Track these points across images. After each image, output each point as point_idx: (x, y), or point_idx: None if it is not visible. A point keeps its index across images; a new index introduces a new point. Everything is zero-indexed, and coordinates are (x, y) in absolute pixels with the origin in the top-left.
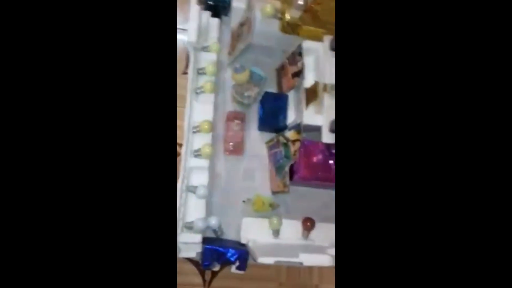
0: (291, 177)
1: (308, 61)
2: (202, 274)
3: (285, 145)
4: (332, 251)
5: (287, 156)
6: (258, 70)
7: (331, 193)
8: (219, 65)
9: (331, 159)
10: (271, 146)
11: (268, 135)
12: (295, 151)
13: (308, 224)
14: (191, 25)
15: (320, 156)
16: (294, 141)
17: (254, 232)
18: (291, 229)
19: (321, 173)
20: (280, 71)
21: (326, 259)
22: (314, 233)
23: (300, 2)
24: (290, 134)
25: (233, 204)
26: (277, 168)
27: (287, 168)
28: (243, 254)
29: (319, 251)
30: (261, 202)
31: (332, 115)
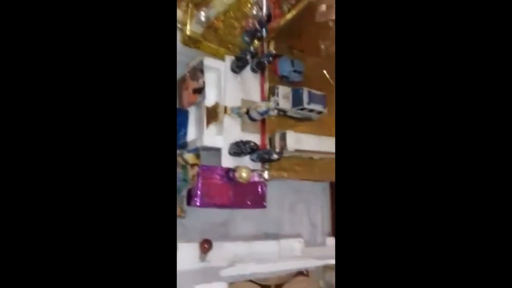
0: (188, 202)
1: (210, 79)
2: None
3: (184, 167)
4: (228, 272)
5: (185, 179)
6: None
7: (230, 211)
8: None
9: (229, 184)
10: None
11: None
12: (193, 175)
13: (206, 246)
14: None
15: (218, 182)
16: (192, 165)
17: None
18: (188, 252)
19: (218, 199)
20: (182, 83)
21: (221, 286)
22: (211, 254)
23: (202, 18)
24: (189, 157)
25: None
26: None
27: (184, 192)
28: None
29: (215, 274)
30: None
31: (232, 138)
